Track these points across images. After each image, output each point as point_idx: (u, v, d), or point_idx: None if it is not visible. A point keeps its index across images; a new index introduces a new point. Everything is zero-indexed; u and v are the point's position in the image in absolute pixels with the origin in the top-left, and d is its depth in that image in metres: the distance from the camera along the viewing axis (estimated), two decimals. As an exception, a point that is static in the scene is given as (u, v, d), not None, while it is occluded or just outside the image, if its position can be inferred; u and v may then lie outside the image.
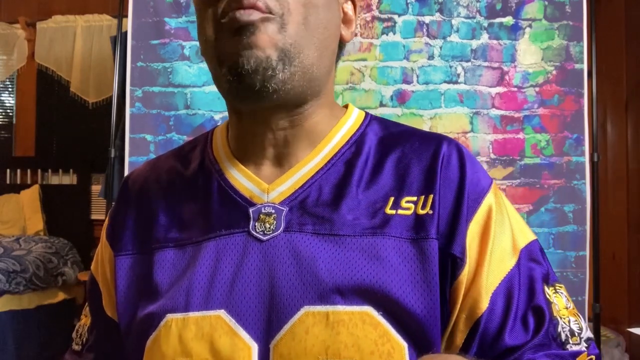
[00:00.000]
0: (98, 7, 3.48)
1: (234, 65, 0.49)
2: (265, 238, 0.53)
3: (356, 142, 0.58)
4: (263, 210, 0.54)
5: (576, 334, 0.53)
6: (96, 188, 3.33)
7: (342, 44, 0.60)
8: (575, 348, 0.52)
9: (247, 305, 0.50)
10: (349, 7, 0.60)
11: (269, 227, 0.53)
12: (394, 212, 0.53)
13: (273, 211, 0.54)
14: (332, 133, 0.58)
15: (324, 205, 0.54)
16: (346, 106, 0.63)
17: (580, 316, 0.55)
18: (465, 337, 0.52)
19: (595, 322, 1.96)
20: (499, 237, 0.54)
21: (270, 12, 0.49)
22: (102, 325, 0.61)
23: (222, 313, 0.50)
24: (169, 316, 0.51)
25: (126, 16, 2.08)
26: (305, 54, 0.51)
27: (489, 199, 0.55)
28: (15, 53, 3.60)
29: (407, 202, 0.54)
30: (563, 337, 0.52)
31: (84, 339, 0.63)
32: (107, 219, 0.64)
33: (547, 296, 0.54)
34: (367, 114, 0.63)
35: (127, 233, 0.60)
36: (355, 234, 0.52)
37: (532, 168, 1.94)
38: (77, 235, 3.20)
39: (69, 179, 3.45)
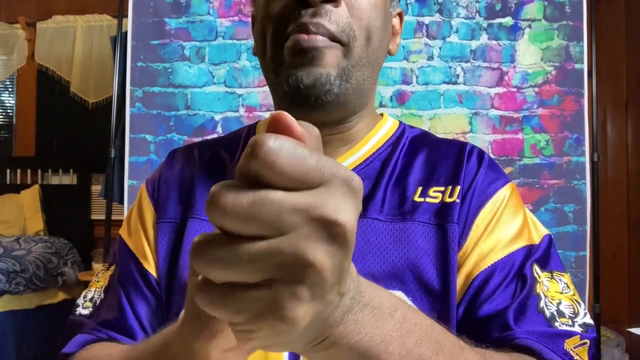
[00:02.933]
0: (98, 7, 3.48)
1: (292, 79, 0.53)
2: None
3: (392, 144, 0.63)
4: None
5: (566, 317, 0.53)
6: (96, 188, 3.32)
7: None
8: (565, 328, 0.51)
9: None
10: (396, 21, 0.64)
11: None
12: (422, 199, 0.57)
13: None
14: (370, 136, 0.63)
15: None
16: (381, 114, 0.68)
17: (581, 304, 0.55)
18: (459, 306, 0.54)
19: (595, 322, 1.96)
20: (506, 222, 0.57)
21: (336, 41, 0.53)
22: (130, 283, 0.61)
23: None
24: None
25: (126, 16, 2.08)
26: (362, 72, 0.55)
27: (503, 192, 0.59)
28: (15, 53, 3.60)
29: (435, 191, 0.58)
30: (547, 313, 0.52)
31: (98, 299, 0.62)
32: (146, 184, 0.67)
33: (535, 274, 0.55)
34: (400, 122, 0.68)
35: (170, 202, 0.62)
36: (386, 220, 0.56)
37: (531, 168, 1.94)
38: (77, 235, 3.20)
39: (69, 179, 3.45)
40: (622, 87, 3.02)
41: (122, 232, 0.66)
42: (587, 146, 1.94)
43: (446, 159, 0.61)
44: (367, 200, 0.57)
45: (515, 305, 0.52)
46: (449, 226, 0.55)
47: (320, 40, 0.52)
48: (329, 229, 0.23)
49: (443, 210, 0.56)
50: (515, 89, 1.96)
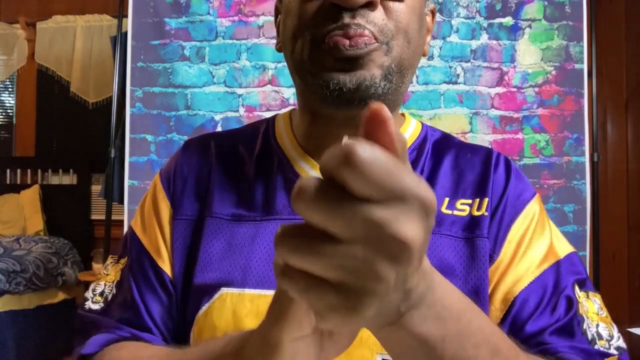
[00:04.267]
0: (98, 7, 3.48)
1: (333, 83, 0.51)
2: None
3: (417, 147, 0.62)
4: None
5: (604, 339, 0.54)
6: (96, 188, 3.32)
7: None
8: (603, 350, 0.53)
9: None
10: (428, 19, 0.63)
11: None
12: (449, 212, 0.57)
13: None
14: None
15: None
16: (402, 114, 0.67)
17: (614, 326, 0.56)
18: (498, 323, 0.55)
19: (595, 322, 1.97)
20: (537, 240, 0.57)
21: (376, 40, 0.51)
22: (143, 281, 0.59)
23: None
24: (224, 290, 0.54)
25: (126, 16, 2.08)
26: (402, 73, 0.55)
27: (532, 206, 0.59)
28: (15, 53, 3.60)
29: (462, 204, 0.58)
30: (589, 335, 0.53)
31: (110, 295, 0.60)
32: (161, 176, 0.65)
33: (577, 295, 0.55)
34: (421, 122, 0.67)
35: (186, 197, 0.61)
36: None
37: (531, 168, 1.94)
38: (77, 235, 3.20)
39: (69, 179, 3.45)
40: (622, 87, 3.02)
41: (135, 225, 0.63)
42: (587, 146, 1.94)
43: (472, 168, 0.60)
44: None
45: (561, 325, 0.53)
46: (479, 241, 0.55)
47: (362, 44, 0.50)
48: (398, 248, 0.25)
49: (472, 224, 0.56)
50: (515, 89, 1.96)
